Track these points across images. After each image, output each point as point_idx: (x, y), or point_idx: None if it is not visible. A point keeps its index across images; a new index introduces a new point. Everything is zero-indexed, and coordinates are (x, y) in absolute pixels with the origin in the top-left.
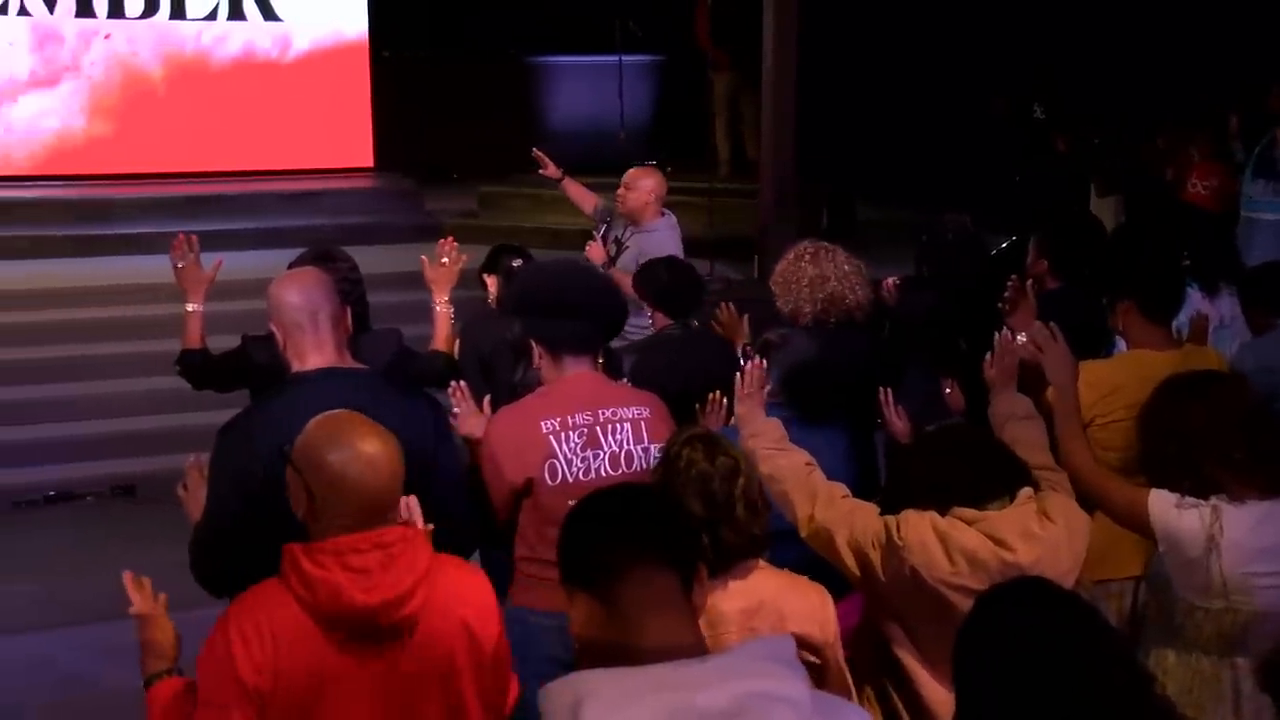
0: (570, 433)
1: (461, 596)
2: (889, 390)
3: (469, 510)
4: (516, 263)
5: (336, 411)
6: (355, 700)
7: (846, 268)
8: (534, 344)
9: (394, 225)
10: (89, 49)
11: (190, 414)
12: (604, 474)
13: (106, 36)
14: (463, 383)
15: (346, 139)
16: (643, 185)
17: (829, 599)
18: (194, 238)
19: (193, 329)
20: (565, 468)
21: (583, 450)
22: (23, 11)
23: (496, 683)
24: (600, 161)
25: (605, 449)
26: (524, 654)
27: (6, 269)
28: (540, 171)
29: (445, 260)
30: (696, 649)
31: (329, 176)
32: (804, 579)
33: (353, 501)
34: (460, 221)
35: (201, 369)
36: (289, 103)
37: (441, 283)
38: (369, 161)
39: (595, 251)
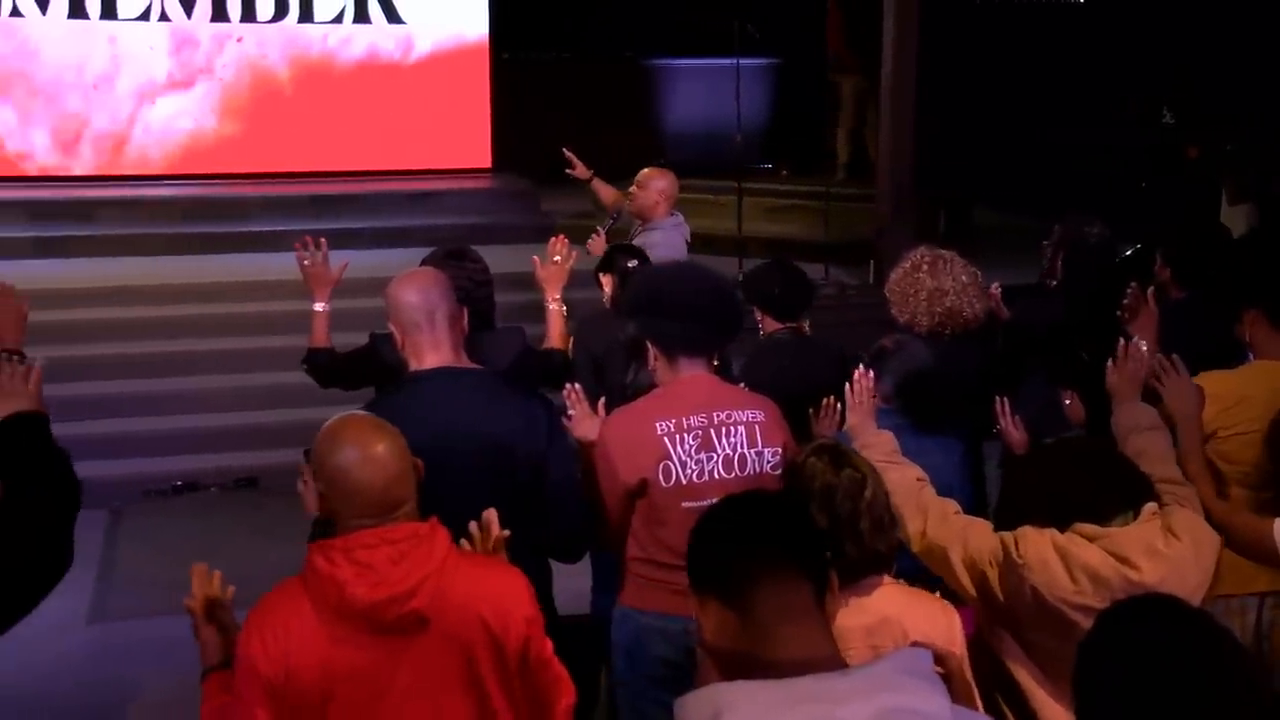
0: (685, 434)
1: (482, 594)
2: (1005, 400)
3: (581, 510)
4: (632, 263)
5: (347, 414)
6: (371, 696)
7: (964, 279)
8: (649, 345)
9: (510, 225)
10: (222, 52)
11: (312, 409)
12: (717, 476)
13: (238, 40)
14: (577, 385)
15: (465, 140)
16: (653, 185)
17: (955, 614)
18: (322, 239)
19: (319, 328)
20: (679, 469)
21: (697, 452)
22: (163, 17)
23: (533, 685)
24: (716, 164)
25: (719, 451)
26: (632, 654)
27: (141, 265)
28: (569, 171)
29: (557, 259)
30: (834, 661)
31: (448, 177)
32: (930, 595)
33: (357, 500)
34: (575, 222)
35: (328, 368)
36: (410, 104)
37: (553, 281)
38: (487, 162)
39: (596, 245)
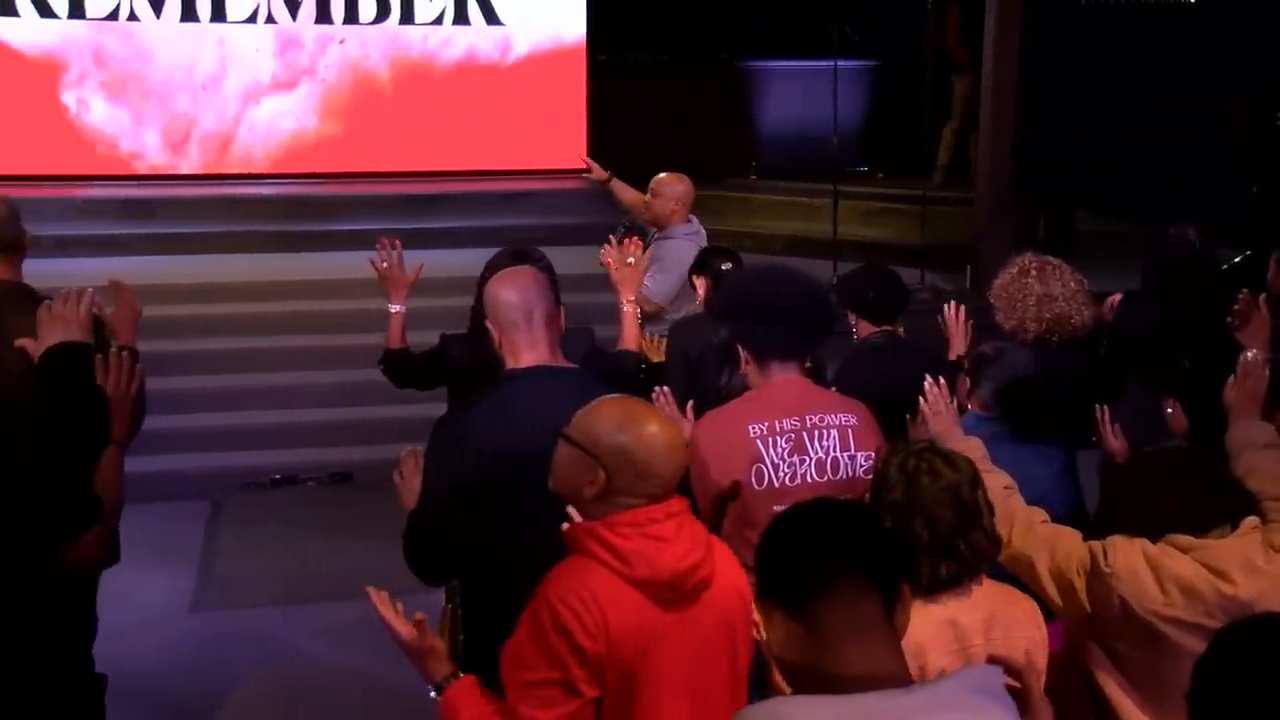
0: (778, 437)
1: (731, 565)
2: (1106, 408)
3: None
4: (726, 266)
5: (619, 396)
6: (669, 660)
7: (1073, 285)
8: (741, 349)
9: (605, 226)
10: (325, 53)
11: (406, 405)
12: (810, 480)
13: (341, 41)
14: (666, 388)
15: (560, 140)
16: (669, 192)
17: (1039, 610)
18: (397, 240)
19: (395, 329)
20: (772, 472)
21: (790, 455)
22: (269, 19)
23: (751, 644)
24: (810, 167)
25: (812, 455)
26: None
27: (245, 262)
28: (587, 175)
29: (631, 260)
30: (900, 677)
31: (542, 177)
32: (1014, 588)
33: (654, 481)
34: None
35: (403, 369)
36: (507, 105)
37: (627, 283)
38: (581, 163)
39: (609, 254)
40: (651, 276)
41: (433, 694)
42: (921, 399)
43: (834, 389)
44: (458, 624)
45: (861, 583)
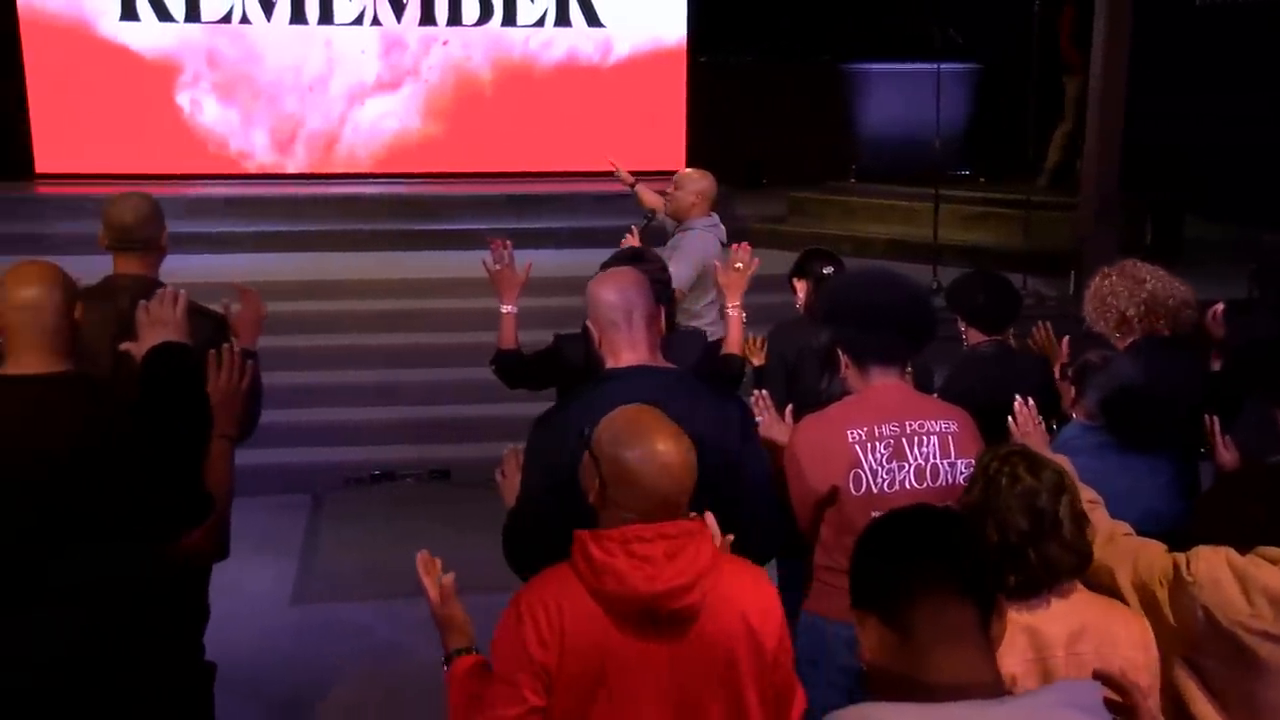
0: (876, 443)
1: (743, 595)
2: (1215, 419)
3: (775, 511)
4: (827, 269)
5: (639, 405)
6: (637, 685)
7: (1160, 271)
8: (840, 353)
9: None
10: (428, 54)
11: (505, 404)
12: (909, 486)
13: (444, 43)
14: (765, 391)
15: (660, 142)
16: (691, 186)
17: (1150, 629)
18: (508, 241)
19: (507, 330)
20: (870, 478)
21: (888, 461)
22: (375, 21)
23: (779, 689)
24: (911, 170)
25: (911, 461)
26: (817, 662)
27: (346, 260)
28: (613, 179)
29: (739, 265)
30: (994, 688)
31: (642, 179)
32: (1124, 606)
33: (643, 499)
34: (768, 226)
35: (515, 369)
36: (607, 106)
37: (734, 288)
38: (681, 165)
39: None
40: (672, 263)
41: (444, 665)
42: (1010, 420)
43: (939, 396)
44: None
45: (957, 591)
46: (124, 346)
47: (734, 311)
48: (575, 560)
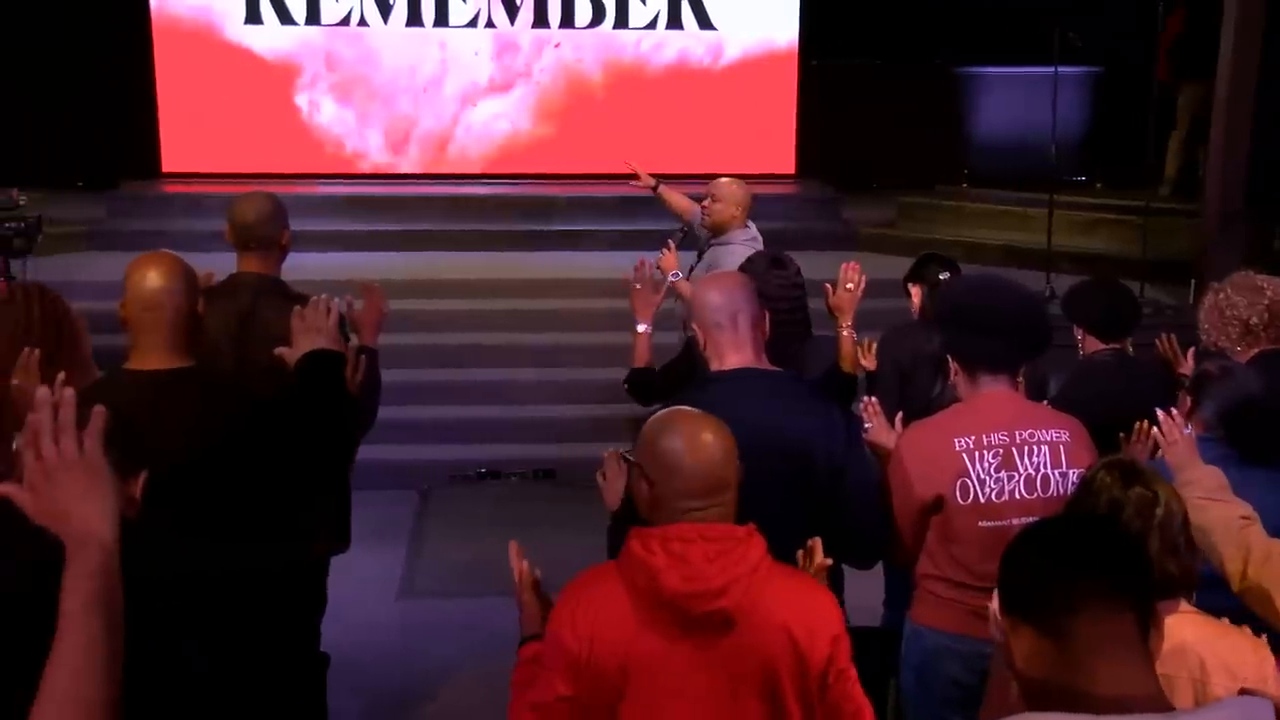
0: (984, 452)
1: (791, 606)
2: None
3: (878, 516)
4: (943, 274)
5: (676, 408)
6: (665, 687)
7: (1273, 279)
8: (951, 359)
9: (811, 232)
10: (540, 56)
11: (610, 405)
12: (1018, 496)
13: (556, 45)
14: (874, 399)
15: (770, 145)
16: (729, 196)
17: (1268, 653)
18: (647, 260)
19: (641, 349)
20: (978, 487)
21: (997, 471)
22: (489, 23)
23: (833, 710)
24: (1026, 175)
25: (1021, 471)
26: (922, 672)
27: (457, 259)
28: (633, 183)
29: (850, 286)
30: (1158, 702)
31: (751, 182)
32: (1240, 630)
33: (684, 485)
34: (877, 231)
35: (650, 386)
36: (717, 109)
37: (845, 308)
38: (791, 168)
39: (668, 261)
40: None
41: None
42: (1155, 428)
43: (1054, 405)
44: None
45: (1117, 601)
46: (278, 351)
47: (846, 331)
48: (621, 556)
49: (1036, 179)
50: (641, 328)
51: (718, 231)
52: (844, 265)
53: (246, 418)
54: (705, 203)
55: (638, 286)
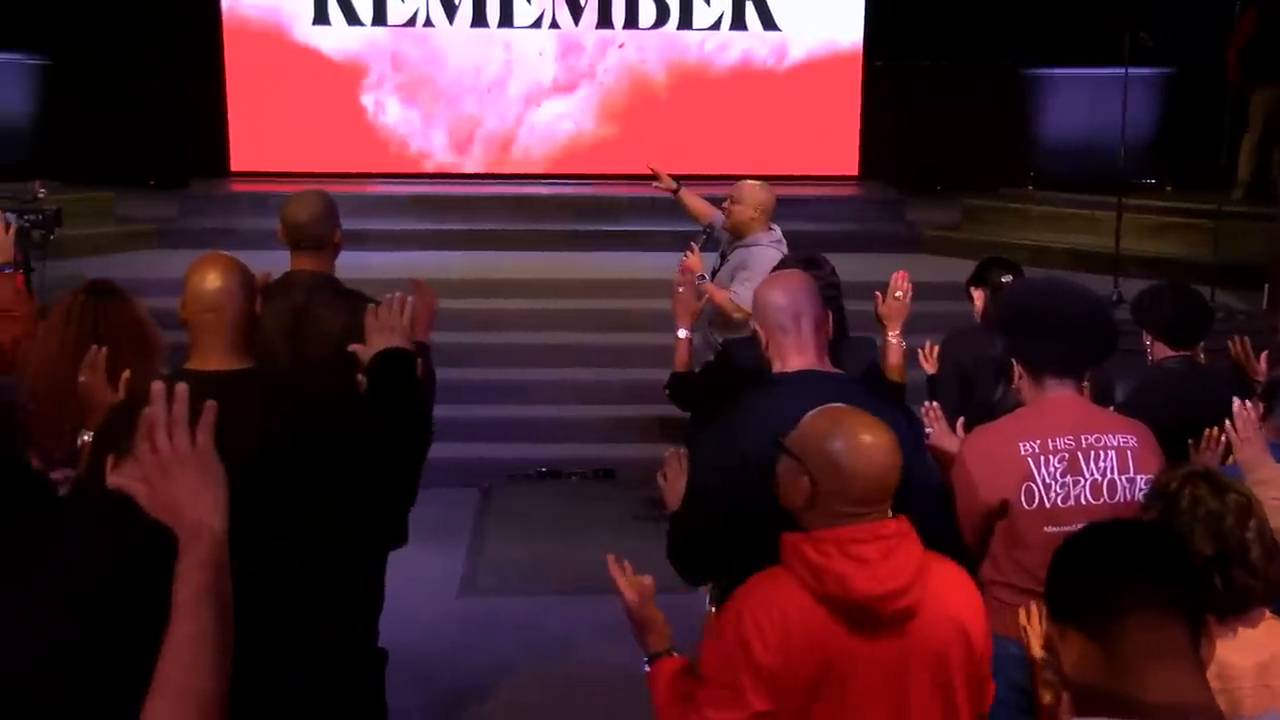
0: (1050, 456)
1: (954, 593)
2: None
3: (940, 525)
4: (1006, 278)
5: (835, 405)
6: (857, 686)
7: None
8: (1015, 363)
9: (874, 234)
10: (604, 57)
11: (671, 405)
12: (1084, 502)
13: (620, 46)
14: (935, 403)
15: (833, 147)
16: (750, 199)
17: None
18: (692, 267)
19: (682, 354)
20: (1043, 492)
21: (1062, 476)
22: (553, 24)
23: (982, 686)
24: (1094, 178)
25: (1087, 476)
26: None
27: (519, 259)
28: (654, 185)
29: (899, 295)
30: (1210, 711)
31: (814, 183)
32: None
33: (854, 488)
34: (941, 234)
35: (689, 391)
36: (780, 110)
37: (895, 317)
38: (854, 170)
39: (693, 262)
40: (741, 284)
41: (645, 665)
42: (1228, 423)
43: (1122, 411)
44: None
45: (1168, 607)
46: (352, 348)
47: (895, 339)
48: (790, 564)
49: (1105, 181)
50: (682, 333)
51: (738, 233)
52: (894, 274)
53: (305, 418)
54: (726, 205)
55: (680, 290)
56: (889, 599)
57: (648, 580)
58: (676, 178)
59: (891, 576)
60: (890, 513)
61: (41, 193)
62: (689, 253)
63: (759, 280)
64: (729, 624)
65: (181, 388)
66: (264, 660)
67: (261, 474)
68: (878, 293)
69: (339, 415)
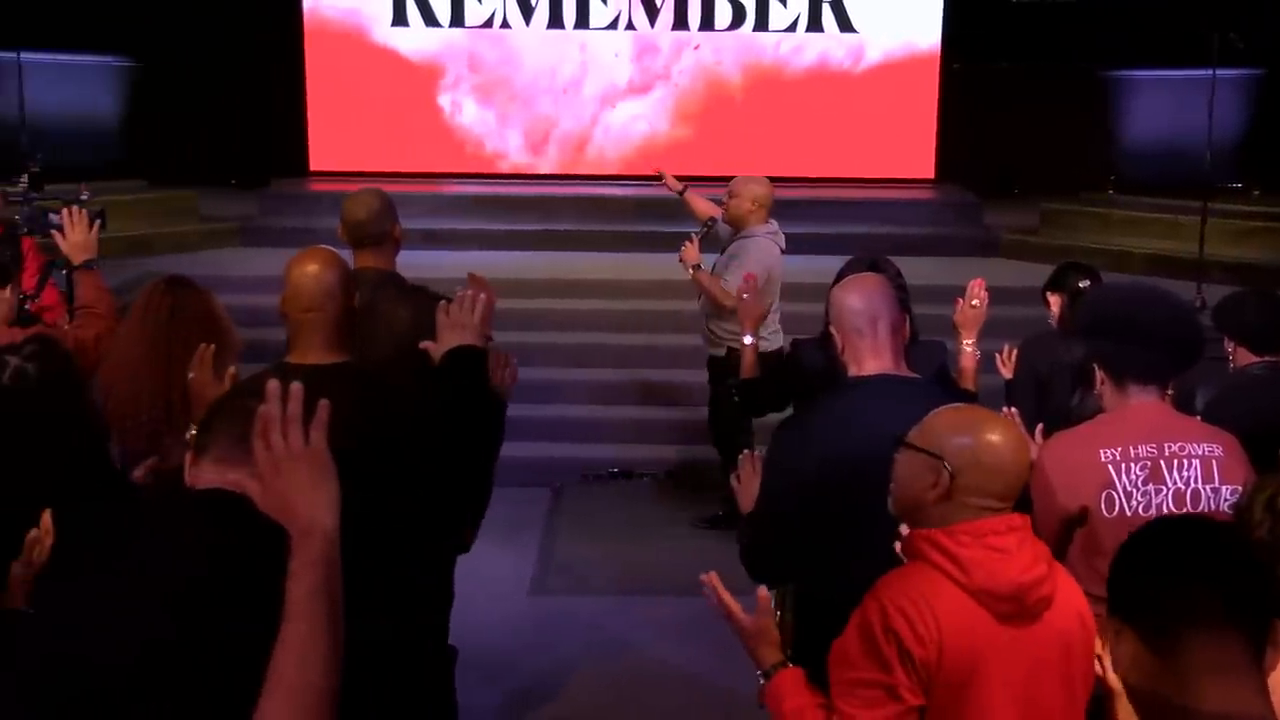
0: (1131, 464)
1: (1074, 588)
2: None
3: None
4: (1084, 283)
5: (963, 405)
6: (1002, 678)
7: None
8: (1097, 369)
9: (951, 238)
10: (679, 59)
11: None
12: (1166, 511)
13: (695, 47)
14: (1014, 408)
15: (909, 150)
16: (745, 192)
17: None
18: (753, 275)
19: (748, 360)
20: (1124, 500)
21: (1144, 484)
22: (629, 25)
23: (1090, 677)
24: (1177, 181)
25: (1170, 485)
26: None
27: (593, 259)
28: (660, 183)
29: (975, 303)
30: None
31: (889, 186)
32: None
33: (996, 483)
34: (1018, 238)
35: (757, 396)
36: (856, 112)
37: (970, 325)
38: (930, 173)
39: (689, 253)
40: (732, 273)
41: (760, 679)
42: None
43: (1204, 419)
44: (787, 632)
45: (1229, 615)
46: (423, 345)
47: (969, 348)
48: (932, 558)
49: (1188, 185)
50: (748, 339)
51: (737, 226)
52: (971, 282)
53: (398, 413)
54: (724, 199)
55: (744, 298)
56: (1033, 587)
57: (762, 593)
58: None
59: (1031, 565)
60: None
61: (85, 194)
62: (687, 243)
63: (749, 268)
64: (874, 621)
65: (296, 386)
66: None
67: (356, 467)
68: (959, 300)
69: (428, 410)
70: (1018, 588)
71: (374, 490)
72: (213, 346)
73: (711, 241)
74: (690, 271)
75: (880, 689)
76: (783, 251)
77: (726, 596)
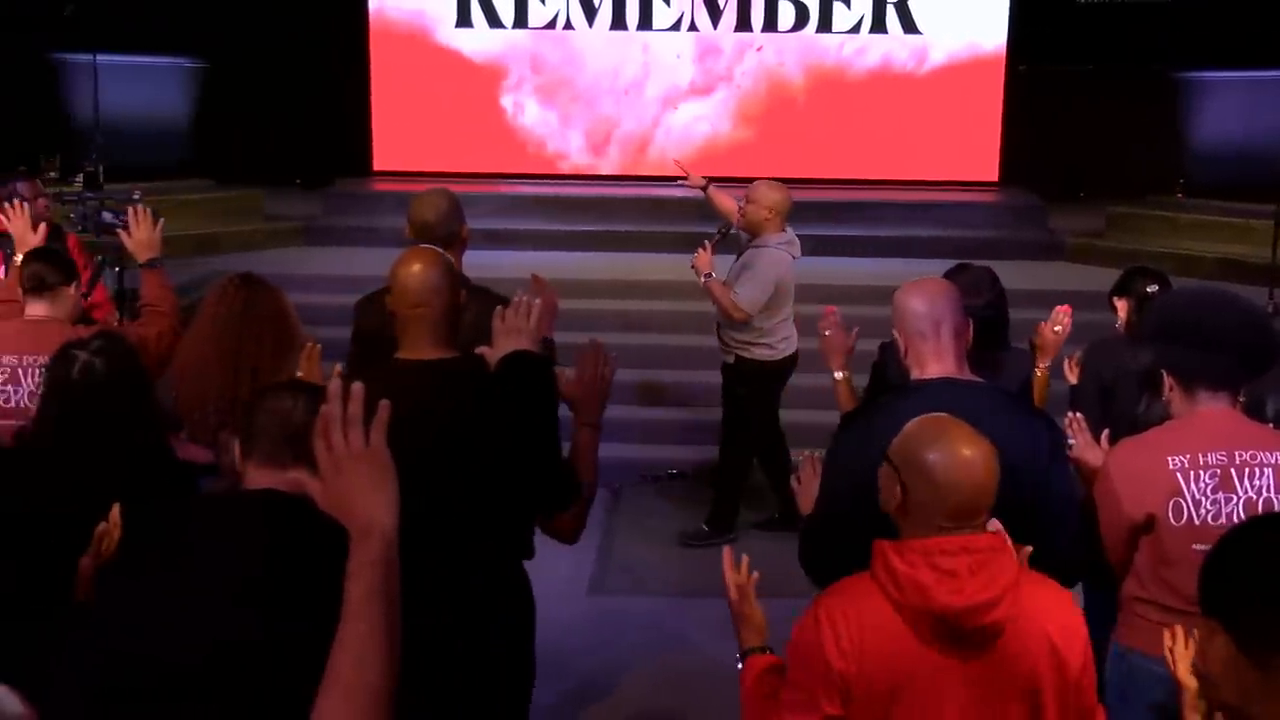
0: (1200, 472)
1: (1048, 612)
2: None
3: (1078, 538)
4: (1152, 288)
5: (937, 414)
6: (936, 701)
7: None
8: (1165, 375)
9: (1015, 241)
10: (742, 60)
11: (803, 411)
12: (1238, 520)
13: (758, 49)
14: (1079, 414)
15: (973, 152)
16: (762, 199)
17: None
18: (835, 308)
19: (842, 396)
20: (1192, 509)
21: (1214, 492)
22: (691, 26)
23: (1082, 713)
24: (1249, 185)
25: (1240, 494)
26: (1125, 696)
27: (654, 260)
28: (682, 181)
29: (1058, 328)
30: None
31: (953, 189)
32: None
33: (947, 501)
34: (1084, 241)
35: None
36: (920, 114)
37: (1050, 349)
38: (994, 175)
39: (702, 260)
40: (742, 285)
41: (738, 661)
42: None
43: (1274, 425)
44: None
45: None
46: (480, 350)
47: (1041, 372)
48: (876, 570)
49: (1261, 189)
50: (839, 374)
51: (752, 233)
52: (1058, 307)
53: (506, 409)
54: (741, 205)
55: (827, 334)
56: (970, 613)
57: (754, 576)
58: (812, 182)
59: (976, 591)
60: (986, 527)
61: (136, 195)
62: (701, 249)
63: (759, 284)
64: (808, 627)
65: (357, 386)
66: (428, 649)
67: (462, 461)
68: (1042, 323)
69: (525, 406)
70: (949, 610)
71: (473, 480)
72: (319, 346)
73: (731, 244)
74: (702, 280)
75: (804, 692)
76: (794, 259)
77: (727, 570)
